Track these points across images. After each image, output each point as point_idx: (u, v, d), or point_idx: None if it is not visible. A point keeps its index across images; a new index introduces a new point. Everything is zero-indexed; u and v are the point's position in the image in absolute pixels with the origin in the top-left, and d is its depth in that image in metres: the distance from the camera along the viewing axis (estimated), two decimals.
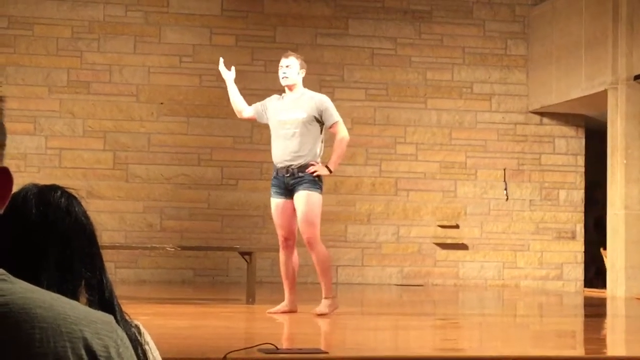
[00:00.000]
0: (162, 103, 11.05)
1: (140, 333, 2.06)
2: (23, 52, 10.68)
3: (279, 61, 11.39)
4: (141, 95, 11.02)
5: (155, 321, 5.91)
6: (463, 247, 11.64)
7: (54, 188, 2.09)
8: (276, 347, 4.60)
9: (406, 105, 11.60)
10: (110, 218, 10.71)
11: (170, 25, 11.10)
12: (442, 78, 11.70)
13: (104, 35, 10.96)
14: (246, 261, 8.47)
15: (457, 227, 11.63)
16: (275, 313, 7.30)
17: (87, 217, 2.09)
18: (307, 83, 11.35)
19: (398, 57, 11.62)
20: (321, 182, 7.27)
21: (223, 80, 11.17)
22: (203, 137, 11.11)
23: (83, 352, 1.23)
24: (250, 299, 8.18)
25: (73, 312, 1.28)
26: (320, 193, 7.22)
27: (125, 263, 10.79)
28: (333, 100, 11.46)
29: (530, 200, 11.83)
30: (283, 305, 7.45)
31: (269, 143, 11.39)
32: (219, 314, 7.46)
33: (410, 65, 11.65)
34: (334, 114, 7.28)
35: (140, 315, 2.72)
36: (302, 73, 7.42)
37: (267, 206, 11.34)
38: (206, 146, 11.11)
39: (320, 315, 7.19)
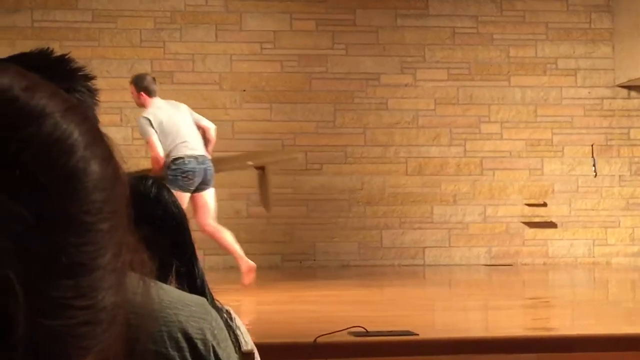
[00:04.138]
0: (244, 90, 11.11)
1: (231, 318, 2.07)
2: (107, 45, 10.83)
3: (360, 44, 11.41)
4: (224, 83, 11.10)
5: (245, 307, 5.96)
6: (552, 225, 11.49)
7: (144, 177, 2.12)
8: (366, 329, 4.60)
9: (489, 84, 11.47)
10: None
11: (250, 12, 11.14)
12: (525, 55, 11.54)
13: (186, 25, 11.05)
14: None
15: (545, 205, 11.48)
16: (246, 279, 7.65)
17: (177, 206, 2.11)
18: (389, 65, 11.34)
19: (479, 35, 11.50)
20: None
21: (305, 65, 11.24)
22: (286, 123, 11.15)
23: (179, 335, 1.24)
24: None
25: (167, 296, 1.29)
26: None
27: (213, 250, 10.89)
28: (415, 81, 11.43)
29: (620, 176, 11.62)
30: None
31: (351, 126, 11.42)
32: (308, 298, 7.49)
33: (492, 43, 11.51)
34: None
35: (230, 301, 2.76)
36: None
37: (352, 190, 11.37)
38: (289, 131, 11.15)
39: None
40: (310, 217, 11.21)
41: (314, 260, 11.19)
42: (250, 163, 9.67)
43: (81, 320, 0.59)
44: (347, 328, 4.57)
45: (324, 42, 11.21)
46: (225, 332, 1.40)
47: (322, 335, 4.30)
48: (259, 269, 10.74)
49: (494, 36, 11.52)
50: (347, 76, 11.31)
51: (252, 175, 11.15)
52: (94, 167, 0.61)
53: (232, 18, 11.11)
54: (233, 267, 10.83)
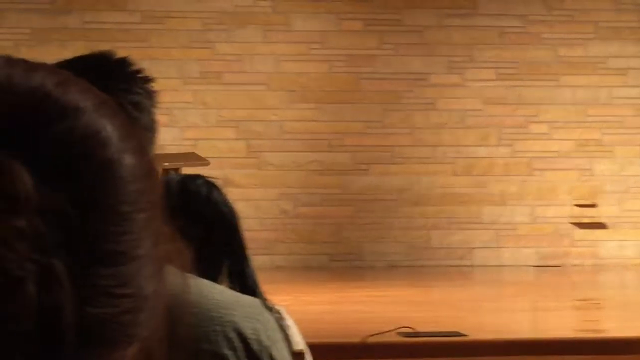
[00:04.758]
0: (292, 91, 11.14)
1: (282, 318, 2.08)
2: (156, 46, 10.90)
3: (407, 44, 11.38)
4: (272, 84, 11.13)
5: (294, 307, 5.97)
6: (601, 226, 11.38)
7: (195, 177, 2.13)
8: (415, 330, 4.59)
9: (538, 83, 11.39)
10: (245, 206, 10.84)
11: (298, 12, 11.16)
12: (574, 54, 11.44)
13: (234, 26, 11.10)
14: None
15: (594, 205, 11.38)
16: None
17: (228, 206, 2.11)
18: (437, 65, 11.30)
19: (528, 34, 11.41)
20: None
21: (353, 66, 11.23)
22: (334, 123, 11.15)
23: (233, 335, 1.24)
24: None
25: (222, 296, 1.30)
26: None
27: (260, 250, 10.91)
28: (463, 81, 11.37)
29: None
30: None
31: (399, 127, 11.39)
32: (356, 298, 7.49)
33: (541, 42, 11.43)
34: None
35: (278, 301, 2.77)
36: None
37: (400, 190, 11.34)
38: (337, 132, 11.15)
39: None
40: (358, 218, 11.21)
41: (362, 260, 11.18)
42: (165, 164, 9.58)
43: (124, 308, 0.61)
44: (397, 328, 4.57)
45: (372, 42, 11.20)
46: (279, 332, 1.40)
47: (372, 335, 4.30)
48: (307, 268, 10.78)
49: (543, 35, 11.43)
50: (395, 76, 11.29)
51: (299, 176, 11.18)
52: (128, 159, 0.63)
53: (279, 19, 11.14)
54: (280, 267, 10.87)
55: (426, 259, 11.16)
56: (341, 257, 11.13)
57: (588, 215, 11.39)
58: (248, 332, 1.31)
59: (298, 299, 7.18)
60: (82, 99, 0.64)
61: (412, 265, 10.99)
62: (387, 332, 4.54)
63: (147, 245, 0.64)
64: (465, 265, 11.14)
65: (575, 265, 11.27)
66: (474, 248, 11.26)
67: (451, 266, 11.08)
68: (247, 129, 11.06)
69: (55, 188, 0.58)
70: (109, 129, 0.63)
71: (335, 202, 11.17)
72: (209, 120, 10.99)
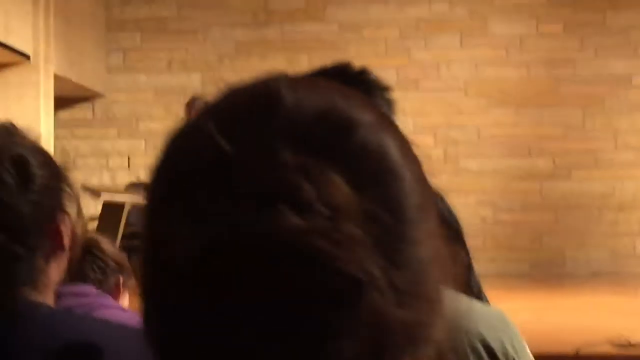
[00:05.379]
0: (490, 96, 11.02)
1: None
2: (353, 55, 11.01)
3: (610, 46, 11.04)
4: (469, 89, 11.05)
5: None
6: None
7: None
8: (629, 341, 4.45)
9: None
10: None
11: (495, 17, 11.03)
12: None
13: (430, 33, 11.08)
14: None
15: None
16: None
17: (451, 213, 2.09)
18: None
19: None
20: None
21: (552, 69, 11.01)
22: (533, 128, 10.96)
23: (479, 345, 1.23)
24: None
25: (464, 306, 1.29)
26: None
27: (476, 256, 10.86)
28: None
29: None
30: None
31: (601, 130, 11.08)
32: (562, 306, 7.33)
33: None
34: None
35: None
36: None
37: (603, 196, 11.02)
38: (536, 136, 10.95)
39: None
40: (559, 224, 10.97)
41: (563, 268, 10.93)
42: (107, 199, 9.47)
43: (422, 311, 0.62)
44: (611, 339, 4.44)
45: (572, 45, 10.94)
46: (524, 343, 1.38)
47: (584, 346, 4.19)
48: (506, 276, 10.61)
49: None
50: (596, 79, 10.99)
51: (497, 182, 11.04)
52: (407, 172, 0.66)
53: (476, 24, 11.04)
54: (479, 274, 10.74)
55: (631, 267, 10.79)
56: (542, 265, 10.90)
57: None
58: (494, 344, 1.29)
59: (500, 307, 7.08)
60: (366, 112, 0.67)
61: (617, 272, 10.65)
62: (601, 343, 4.41)
63: (433, 251, 0.66)
64: None
65: None
66: None
67: None
68: (444, 135, 11.01)
69: (364, 195, 0.60)
70: (391, 142, 0.67)
71: (536, 209, 10.97)
72: (406, 127, 10.98)
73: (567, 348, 4.23)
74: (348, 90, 0.70)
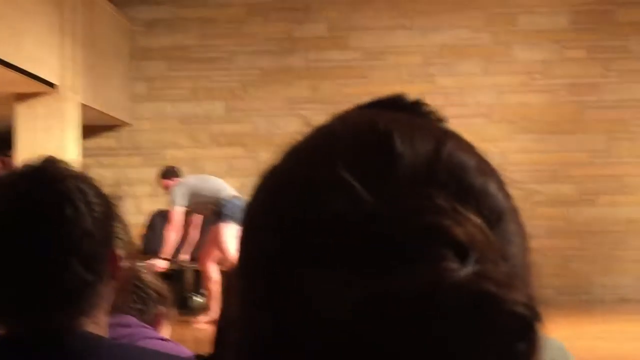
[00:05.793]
0: (514, 122, 11.00)
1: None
2: (377, 82, 10.99)
3: (634, 71, 11.02)
4: (493, 115, 11.03)
5: None
6: None
7: None
8: None
9: None
10: None
11: (519, 42, 11.03)
12: None
13: (454, 59, 11.08)
14: None
15: None
16: None
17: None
18: None
19: None
20: None
21: (576, 94, 10.99)
22: (558, 154, 10.93)
23: None
24: None
25: None
26: None
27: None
28: None
29: None
30: None
31: (627, 156, 11.03)
32: (591, 333, 7.29)
33: None
34: None
35: None
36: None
37: (629, 221, 10.96)
38: (562, 162, 10.92)
39: None
40: (585, 249, 10.91)
41: (589, 293, 10.86)
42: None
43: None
44: None
45: (596, 70, 10.93)
46: None
47: None
48: None
49: None
50: (619, 104, 10.96)
51: (523, 207, 10.98)
52: (492, 188, 0.67)
53: (500, 49, 11.05)
54: None
55: None
56: (569, 291, 10.83)
57: None
58: None
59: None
60: (471, 157, 0.68)
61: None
62: None
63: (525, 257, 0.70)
64: None
65: None
66: None
67: None
68: None
69: (491, 229, 0.61)
70: (494, 186, 0.68)
71: (561, 234, 10.91)
72: None
73: None
74: (455, 135, 0.72)
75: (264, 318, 0.62)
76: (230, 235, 8.59)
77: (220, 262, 8.99)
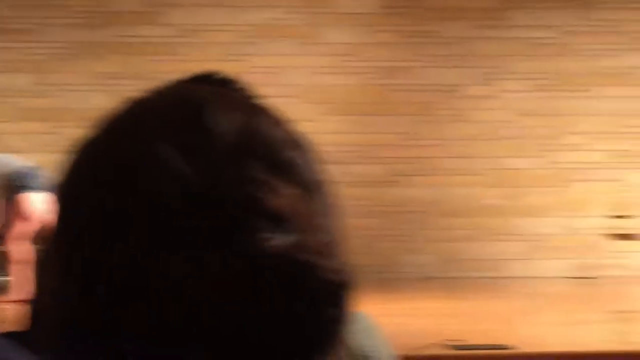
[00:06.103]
0: (325, 103, 11.15)
1: None
2: (191, 60, 10.88)
3: (441, 56, 11.35)
4: (305, 96, 11.14)
5: None
6: (636, 237, 11.31)
7: None
8: (463, 342, 4.60)
9: (572, 94, 11.36)
10: None
11: (331, 25, 11.17)
12: (609, 65, 11.40)
13: (268, 39, 11.12)
14: None
15: (629, 217, 11.32)
16: None
17: None
18: (469, 76, 11.27)
19: (562, 45, 11.39)
20: None
21: (385, 77, 11.22)
22: (366, 135, 11.15)
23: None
24: None
25: None
26: None
27: None
28: (497, 92, 11.33)
29: None
30: None
31: (432, 138, 11.38)
32: (393, 311, 7.48)
33: (575, 53, 11.40)
34: None
35: None
36: None
37: (432, 202, 11.32)
38: (370, 144, 11.15)
39: None
40: (390, 229, 11.19)
41: (393, 272, 11.16)
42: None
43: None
44: (445, 340, 4.57)
45: (405, 54, 11.20)
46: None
47: (421, 347, 4.31)
48: None
49: (577, 46, 11.39)
50: (427, 88, 11.28)
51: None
52: (304, 160, 0.74)
53: (313, 31, 11.16)
54: None
55: (459, 271, 11.13)
56: (376, 269, 11.10)
57: (622, 226, 11.33)
58: (373, 353, 1.32)
59: None
60: (282, 131, 0.69)
61: (445, 277, 10.97)
62: (436, 343, 4.55)
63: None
64: (498, 277, 11.10)
65: (609, 277, 11.22)
66: (507, 260, 11.23)
67: (484, 278, 11.06)
68: None
69: (305, 200, 0.63)
70: (306, 159, 0.76)
71: (366, 214, 11.15)
72: None
73: (406, 350, 4.34)
74: (260, 106, 0.73)
75: (74, 289, 0.62)
76: (37, 203, 8.30)
77: (26, 237, 8.71)
